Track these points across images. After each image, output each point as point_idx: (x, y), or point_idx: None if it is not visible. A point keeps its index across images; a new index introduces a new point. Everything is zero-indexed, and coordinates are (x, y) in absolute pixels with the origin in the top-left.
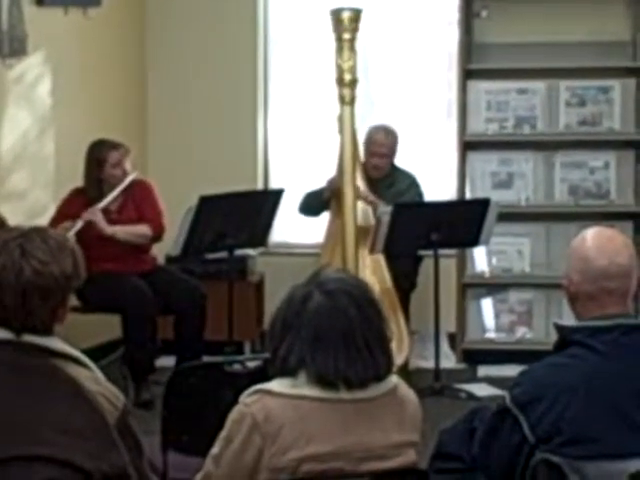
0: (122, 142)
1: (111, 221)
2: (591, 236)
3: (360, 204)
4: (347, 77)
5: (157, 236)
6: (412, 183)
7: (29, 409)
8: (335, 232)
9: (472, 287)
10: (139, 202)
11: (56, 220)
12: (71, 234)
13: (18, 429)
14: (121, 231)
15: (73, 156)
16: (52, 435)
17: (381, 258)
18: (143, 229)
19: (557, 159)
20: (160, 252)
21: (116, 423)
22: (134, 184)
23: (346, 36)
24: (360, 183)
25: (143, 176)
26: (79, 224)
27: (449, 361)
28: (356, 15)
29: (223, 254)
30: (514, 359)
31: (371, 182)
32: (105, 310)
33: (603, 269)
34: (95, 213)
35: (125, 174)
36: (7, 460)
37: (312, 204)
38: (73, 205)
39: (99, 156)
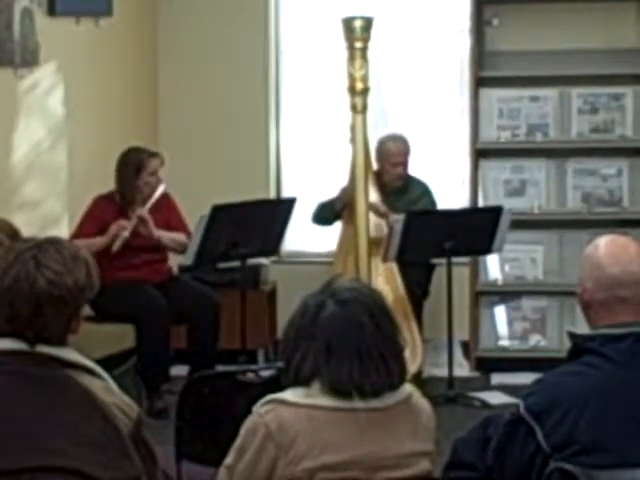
0: (158, 151)
1: (139, 231)
2: (604, 244)
3: (372, 215)
4: (359, 86)
5: None
6: (425, 191)
7: (43, 420)
8: (348, 241)
9: (485, 295)
10: (166, 213)
11: (86, 224)
12: (127, 232)
13: (32, 440)
14: (166, 236)
15: (86, 165)
16: (66, 446)
17: (394, 266)
18: (182, 237)
19: (569, 166)
20: (173, 261)
21: (130, 433)
22: (161, 196)
23: (358, 45)
24: (373, 193)
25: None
26: (133, 221)
27: (463, 369)
28: (368, 24)
29: (236, 263)
30: (528, 367)
31: (384, 191)
32: (119, 320)
33: (616, 277)
34: (145, 213)
35: (158, 182)
36: (21, 471)
37: (325, 214)
38: (104, 211)
39: (138, 163)
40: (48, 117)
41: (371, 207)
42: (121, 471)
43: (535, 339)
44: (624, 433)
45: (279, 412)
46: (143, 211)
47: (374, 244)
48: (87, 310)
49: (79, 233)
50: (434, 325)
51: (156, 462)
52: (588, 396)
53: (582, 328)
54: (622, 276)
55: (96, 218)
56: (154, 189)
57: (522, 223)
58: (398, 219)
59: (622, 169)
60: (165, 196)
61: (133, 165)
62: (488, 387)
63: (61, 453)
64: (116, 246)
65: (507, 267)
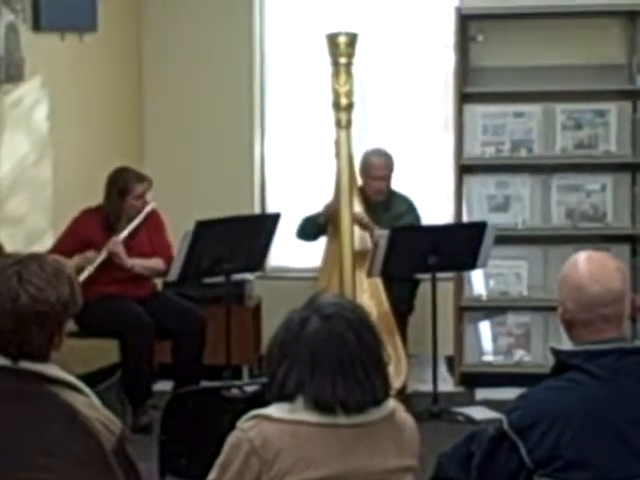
0: (146, 175)
1: (124, 248)
2: (583, 263)
3: (357, 229)
4: (343, 101)
5: (167, 271)
6: (409, 207)
7: (25, 435)
8: (332, 256)
9: (470, 310)
10: (152, 233)
11: (66, 238)
12: (95, 265)
13: (14, 455)
14: (139, 265)
15: (71, 181)
16: (48, 461)
17: (379, 281)
18: (159, 264)
19: (554, 182)
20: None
21: (113, 449)
22: (149, 214)
23: (342, 60)
24: (357, 207)
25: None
26: (102, 256)
27: (447, 384)
28: (352, 39)
29: (220, 279)
30: (512, 382)
31: (369, 206)
32: (103, 335)
33: (597, 296)
34: (117, 245)
35: (145, 205)
36: None
37: (309, 229)
38: (87, 226)
39: (124, 186)
40: (33, 132)
41: (355, 218)
42: None
43: (519, 354)
44: (607, 449)
45: (263, 428)
46: (115, 244)
47: (359, 256)
48: (71, 325)
49: (56, 248)
50: (418, 340)
51: (139, 477)
52: (571, 412)
53: (566, 344)
54: (603, 295)
55: (77, 233)
56: (140, 211)
57: (506, 238)
58: (382, 234)
59: (606, 185)
60: (154, 214)
61: (118, 188)
62: (472, 402)
63: (45, 469)
64: (81, 278)
65: (491, 282)
